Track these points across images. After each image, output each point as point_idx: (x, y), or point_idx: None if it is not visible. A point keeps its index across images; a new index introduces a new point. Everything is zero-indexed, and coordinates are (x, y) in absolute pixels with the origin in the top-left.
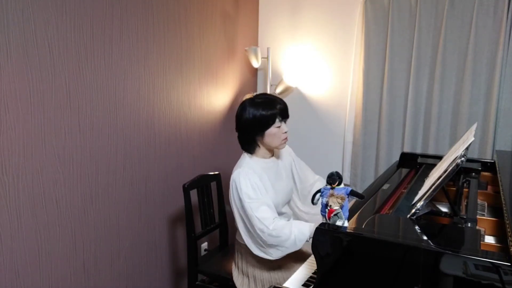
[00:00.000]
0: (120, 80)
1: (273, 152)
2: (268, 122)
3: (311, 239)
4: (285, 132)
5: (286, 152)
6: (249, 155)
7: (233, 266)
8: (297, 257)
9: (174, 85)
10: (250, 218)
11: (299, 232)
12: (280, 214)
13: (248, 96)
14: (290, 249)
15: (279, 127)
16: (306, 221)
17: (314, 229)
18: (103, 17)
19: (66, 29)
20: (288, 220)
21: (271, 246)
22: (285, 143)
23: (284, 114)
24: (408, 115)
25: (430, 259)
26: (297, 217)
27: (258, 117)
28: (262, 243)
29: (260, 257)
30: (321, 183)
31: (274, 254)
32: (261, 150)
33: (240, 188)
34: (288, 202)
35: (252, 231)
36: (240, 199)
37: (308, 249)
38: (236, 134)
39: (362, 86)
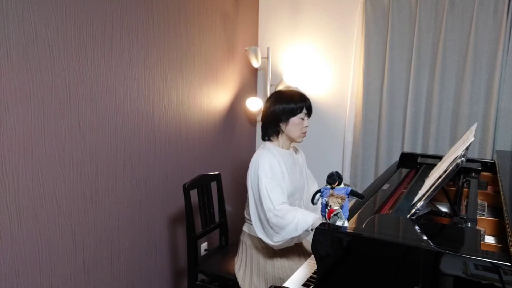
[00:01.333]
0: (120, 80)
1: (290, 145)
2: (296, 110)
3: (313, 231)
4: (306, 127)
5: (301, 153)
6: (270, 142)
7: (236, 258)
8: (301, 253)
9: (174, 85)
10: (261, 196)
11: (302, 218)
12: (293, 205)
13: (277, 90)
14: (291, 234)
15: (302, 119)
16: None
17: (319, 220)
18: (103, 17)
19: (66, 29)
20: None
21: (273, 227)
22: (303, 137)
23: (309, 110)
24: (408, 115)
25: (430, 259)
26: None
27: (288, 106)
28: (267, 224)
29: (266, 252)
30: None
31: (275, 239)
32: (282, 139)
33: (259, 167)
34: (301, 198)
35: (260, 209)
36: (257, 177)
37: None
38: (238, 133)
39: (362, 86)
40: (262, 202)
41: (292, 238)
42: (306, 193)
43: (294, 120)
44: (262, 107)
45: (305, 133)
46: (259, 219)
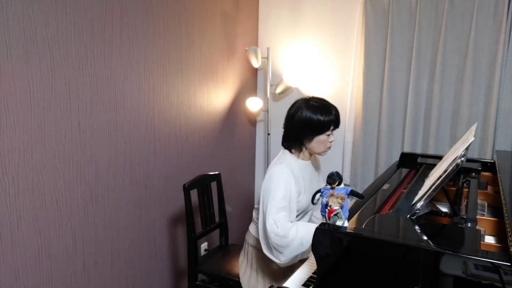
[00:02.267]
0: (120, 80)
1: (311, 155)
2: (322, 128)
3: None
4: (331, 141)
5: (319, 161)
6: (290, 153)
7: (241, 260)
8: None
9: (174, 85)
10: (266, 215)
11: (306, 232)
12: (306, 212)
13: (304, 97)
14: (297, 250)
15: (329, 135)
16: None
17: None
18: (103, 17)
19: (66, 29)
20: (308, 221)
21: (278, 248)
22: (327, 151)
23: (337, 123)
24: (408, 115)
25: (430, 259)
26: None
27: (314, 121)
28: (272, 245)
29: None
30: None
31: (281, 258)
32: (303, 152)
33: (272, 186)
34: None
35: (263, 228)
36: (268, 197)
37: None
38: (237, 133)
39: (362, 86)
40: (265, 223)
41: (298, 255)
42: None
43: (320, 138)
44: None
45: (329, 147)
46: (264, 236)
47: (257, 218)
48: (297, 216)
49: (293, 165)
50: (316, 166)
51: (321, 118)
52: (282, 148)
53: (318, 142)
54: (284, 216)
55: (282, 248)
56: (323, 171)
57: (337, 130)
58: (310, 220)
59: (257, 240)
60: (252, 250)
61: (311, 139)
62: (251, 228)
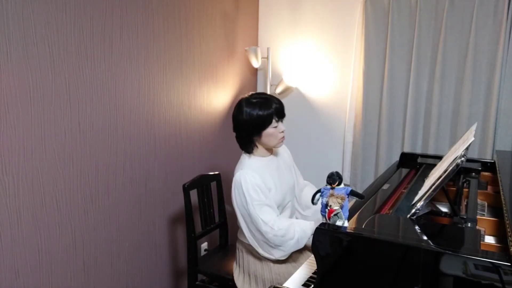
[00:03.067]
0: (120, 80)
1: (271, 150)
2: (264, 123)
3: (312, 236)
4: (282, 132)
5: (282, 148)
6: (248, 155)
7: (234, 265)
8: (297, 257)
9: (174, 85)
10: (255, 220)
11: (301, 231)
12: (284, 208)
13: (243, 96)
14: (293, 248)
15: (276, 127)
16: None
17: (315, 226)
18: (103, 17)
19: (66, 29)
20: (291, 216)
21: (274, 246)
22: (282, 142)
23: (280, 114)
24: (408, 115)
25: (430, 259)
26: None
27: (254, 117)
28: (267, 244)
29: (261, 258)
30: (310, 188)
31: (276, 255)
32: (260, 149)
33: (243, 190)
34: (292, 199)
35: (256, 232)
36: (244, 201)
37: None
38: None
39: (362, 86)
40: (257, 226)
41: (293, 250)
42: (297, 184)
43: (268, 131)
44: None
45: (283, 138)
46: (255, 240)
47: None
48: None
49: (253, 166)
50: (283, 159)
51: (261, 113)
52: (242, 152)
53: (267, 136)
54: (269, 211)
55: (281, 247)
56: (323, 171)
57: (335, 129)
58: (294, 215)
59: (249, 246)
60: (244, 257)
61: (259, 135)
62: (240, 235)
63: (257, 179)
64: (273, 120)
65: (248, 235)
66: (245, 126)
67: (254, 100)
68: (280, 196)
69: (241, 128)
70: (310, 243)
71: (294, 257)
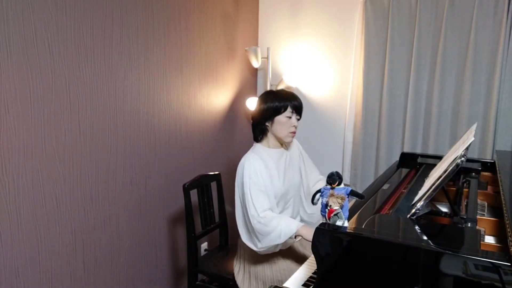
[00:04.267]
0: (120, 80)
1: (282, 144)
2: (280, 109)
3: (298, 238)
4: (294, 126)
5: (294, 145)
6: (259, 144)
7: (235, 262)
8: (298, 255)
9: (174, 85)
10: (246, 202)
11: (286, 226)
12: (286, 205)
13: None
14: (274, 241)
15: (289, 117)
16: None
17: (302, 229)
18: (103, 17)
19: (66, 29)
20: (294, 217)
21: (257, 234)
22: (292, 136)
23: (297, 109)
24: (408, 115)
25: (430, 259)
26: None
27: (271, 105)
28: (250, 230)
29: (263, 255)
30: (323, 182)
31: (258, 245)
32: (270, 139)
33: (244, 172)
34: (296, 196)
35: (245, 216)
36: (242, 182)
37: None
38: (237, 133)
39: (362, 86)
40: (247, 208)
41: (276, 245)
42: (306, 182)
43: (280, 118)
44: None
45: (293, 132)
46: (243, 224)
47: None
48: (277, 204)
49: (261, 153)
50: (293, 157)
51: (277, 102)
52: (254, 143)
53: (279, 123)
54: (264, 199)
55: (261, 236)
56: (323, 171)
57: (335, 129)
58: (297, 217)
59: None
60: (245, 254)
61: (272, 121)
62: None
63: (261, 165)
64: (288, 109)
65: (238, 220)
66: (261, 111)
67: (277, 92)
68: (282, 188)
69: (257, 113)
70: (293, 242)
71: (294, 255)
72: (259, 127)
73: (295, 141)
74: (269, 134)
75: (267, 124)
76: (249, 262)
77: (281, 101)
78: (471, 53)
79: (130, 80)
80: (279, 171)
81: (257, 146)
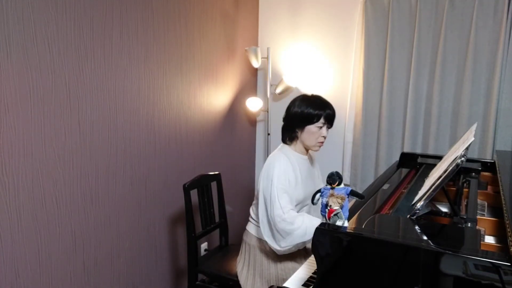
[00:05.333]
0: (120, 80)
1: (307, 152)
2: (312, 118)
3: None
4: (323, 137)
5: (317, 165)
6: (287, 146)
7: (239, 258)
8: (304, 253)
9: (174, 85)
10: (272, 202)
11: (310, 223)
12: (301, 211)
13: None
14: (298, 239)
15: (320, 127)
16: None
17: None
18: (103, 17)
19: (66, 29)
20: None
21: (281, 233)
22: (319, 147)
23: (329, 119)
24: (408, 115)
25: (430, 259)
26: None
27: (305, 112)
28: (276, 231)
29: (268, 252)
30: None
31: (283, 244)
32: (298, 145)
33: (274, 171)
34: (310, 206)
35: (270, 215)
36: (271, 180)
37: None
38: (237, 133)
39: (362, 86)
40: (272, 209)
41: (298, 244)
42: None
43: (310, 128)
44: (287, 109)
45: (322, 142)
46: (267, 222)
47: (256, 215)
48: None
49: (290, 156)
50: (314, 166)
51: (312, 110)
52: (282, 143)
53: (308, 133)
54: (287, 199)
55: (286, 234)
56: (323, 172)
57: (335, 129)
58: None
59: (257, 240)
60: (251, 250)
61: (302, 128)
62: (250, 228)
63: (290, 167)
64: (321, 120)
65: (262, 217)
66: (294, 117)
67: (312, 99)
68: (302, 194)
69: (289, 118)
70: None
71: (300, 253)
72: (289, 132)
73: (316, 162)
74: (298, 141)
75: (297, 130)
76: (255, 259)
77: (315, 109)
78: (471, 53)
79: (130, 80)
80: (302, 177)
81: (285, 148)
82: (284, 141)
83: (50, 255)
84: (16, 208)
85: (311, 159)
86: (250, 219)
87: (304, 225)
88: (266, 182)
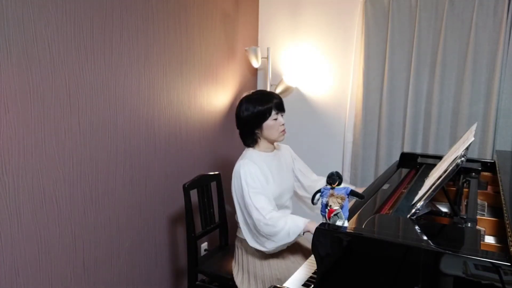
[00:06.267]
0: (120, 80)
1: (273, 146)
2: (265, 115)
3: (305, 234)
4: (283, 125)
5: (285, 149)
6: (251, 149)
7: (233, 263)
8: (296, 252)
9: (174, 85)
10: (248, 207)
11: (293, 224)
12: (283, 207)
13: (245, 94)
14: (284, 241)
15: (276, 119)
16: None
17: (309, 224)
18: (103, 17)
19: (66, 29)
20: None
21: (265, 236)
22: (283, 135)
23: (279, 107)
24: (408, 115)
25: (430, 259)
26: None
27: (255, 111)
28: (257, 233)
29: (261, 254)
30: (324, 182)
31: (268, 246)
32: (262, 143)
33: (241, 178)
34: (291, 196)
35: (249, 221)
36: (241, 188)
37: (309, 246)
38: (237, 133)
39: (362, 86)
40: (250, 213)
41: (284, 244)
42: (306, 182)
43: (268, 123)
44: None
45: (283, 131)
46: (248, 229)
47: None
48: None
49: (254, 158)
50: (284, 156)
51: (261, 107)
52: (246, 148)
53: (268, 128)
54: (265, 201)
55: (270, 236)
56: (323, 171)
57: (335, 129)
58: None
59: (246, 243)
60: (243, 254)
61: (260, 127)
62: (239, 232)
63: (256, 169)
64: (273, 112)
65: (242, 225)
66: (246, 121)
67: (255, 97)
68: (278, 190)
69: (243, 124)
70: (303, 238)
71: (292, 252)
72: (250, 135)
73: (287, 146)
74: (260, 140)
75: (256, 131)
76: (248, 262)
77: (264, 105)
78: (471, 53)
79: (130, 80)
80: (272, 174)
81: (248, 151)
82: (247, 145)
83: (50, 255)
84: (16, 208)
85: (278, 151)
86: (238, 224)
87: (287, 226)
88: (238, 191)
